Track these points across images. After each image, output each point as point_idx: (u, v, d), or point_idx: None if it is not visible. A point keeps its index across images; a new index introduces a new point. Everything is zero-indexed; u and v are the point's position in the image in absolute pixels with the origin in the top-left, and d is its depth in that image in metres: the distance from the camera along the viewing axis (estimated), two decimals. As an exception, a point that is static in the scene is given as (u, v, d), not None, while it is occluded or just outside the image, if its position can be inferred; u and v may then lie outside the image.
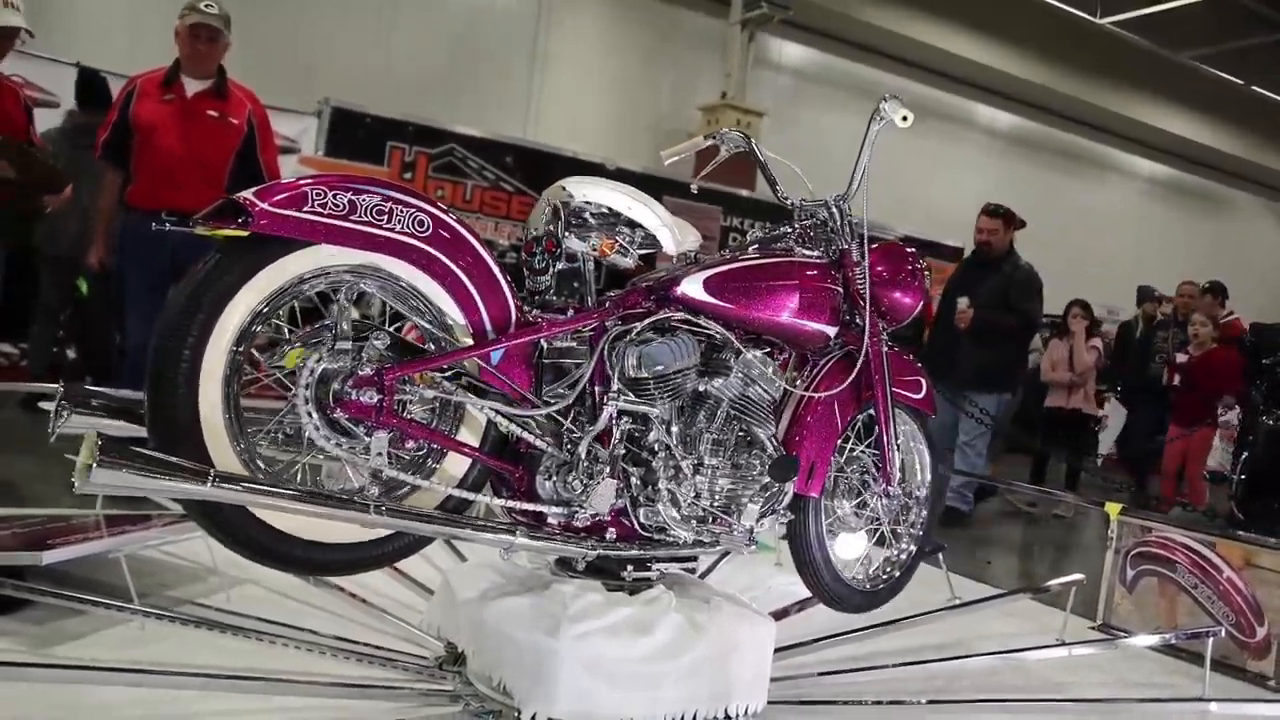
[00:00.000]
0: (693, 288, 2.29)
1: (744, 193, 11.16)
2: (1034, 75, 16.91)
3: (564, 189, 2.26)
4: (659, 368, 2.21)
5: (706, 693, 2.15)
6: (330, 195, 1.82)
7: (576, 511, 2.12)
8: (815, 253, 2.55)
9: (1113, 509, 3.71)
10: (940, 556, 3.68)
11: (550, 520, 2.11)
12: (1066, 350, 7.43)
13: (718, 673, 2.16)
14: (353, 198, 1.84)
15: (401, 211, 1.90)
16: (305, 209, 1.79)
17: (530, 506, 2.11)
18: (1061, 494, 5.34)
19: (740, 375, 2.34)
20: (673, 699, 2.09)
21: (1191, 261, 21.06)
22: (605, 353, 2.17)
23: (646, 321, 2.23)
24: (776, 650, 2.38)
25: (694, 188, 2.34)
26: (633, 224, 2.29)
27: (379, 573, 2.95)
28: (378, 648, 2.45)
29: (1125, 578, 3.65)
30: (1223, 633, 3.12)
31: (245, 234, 1.74)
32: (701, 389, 2.32)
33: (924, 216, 16.04)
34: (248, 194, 1.76)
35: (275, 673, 2.22)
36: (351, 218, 1.84)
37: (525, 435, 2.07)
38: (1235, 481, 6.04)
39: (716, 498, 2.31)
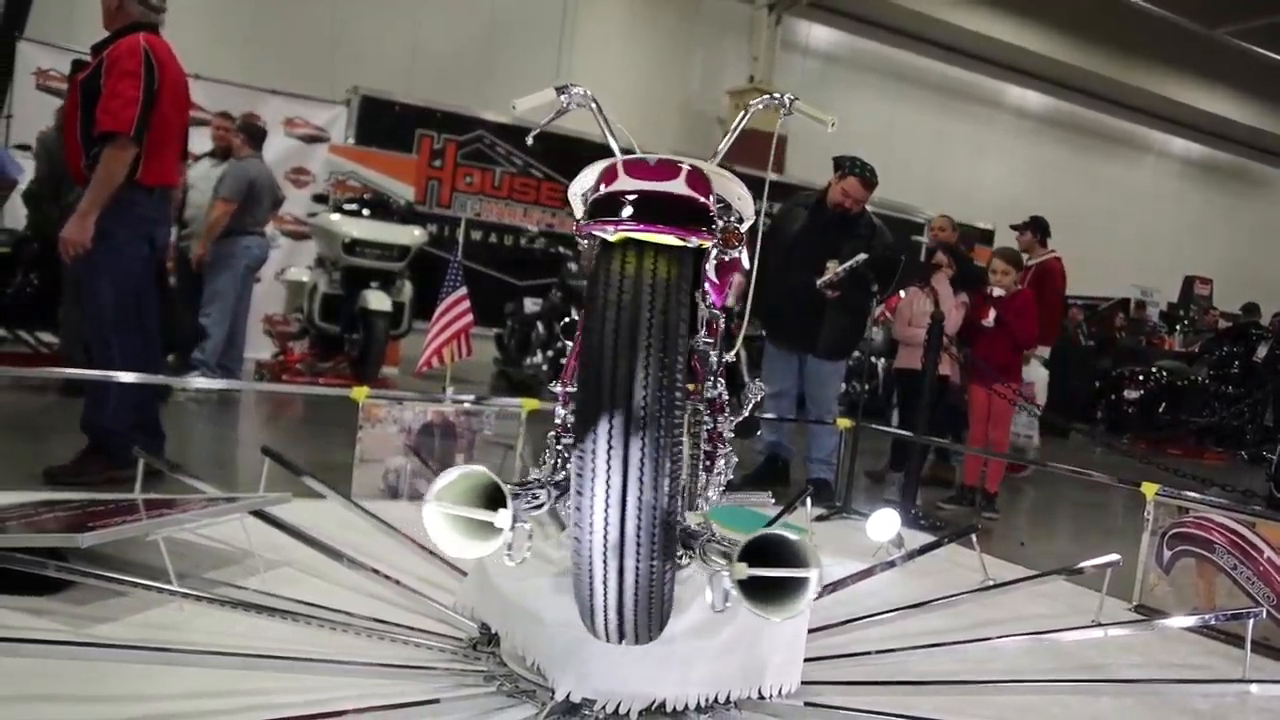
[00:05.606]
0: (709, 266, 2.29)
1: (773, 176, 11.13)
2: (1065, 55, 16.68)
3: None
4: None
5: (739, 672, 2.15)
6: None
7: (708, 494, 2.15)
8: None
9: (1149, 489, 3.66)
10: (974, 538, 3.66)
11: None
12: (929, 304, 6.10)
13: (750, 652, 2.16)
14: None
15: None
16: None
17: None
18: (1095, 474, 5.24)
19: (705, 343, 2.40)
20: (705, 678, 2.09)
21: (1228, 241, 20.78)
22: None
23: None
24: (810, 630, 2.38)
25: (530, 140, 2.37)
26: (728, 210, 2.25)
27: (412, 554, 2.99)
28: (412, 629, 2.47)
29: (1161, 559, 3.60)
30: (1264, 614, 3.07)
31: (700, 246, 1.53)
32: None
33: (955, 198, 15.91)
34: (698, 196, 1.52)
35: (310, 653, 2.24)
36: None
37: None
38: (1275, 461, 5.94)
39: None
